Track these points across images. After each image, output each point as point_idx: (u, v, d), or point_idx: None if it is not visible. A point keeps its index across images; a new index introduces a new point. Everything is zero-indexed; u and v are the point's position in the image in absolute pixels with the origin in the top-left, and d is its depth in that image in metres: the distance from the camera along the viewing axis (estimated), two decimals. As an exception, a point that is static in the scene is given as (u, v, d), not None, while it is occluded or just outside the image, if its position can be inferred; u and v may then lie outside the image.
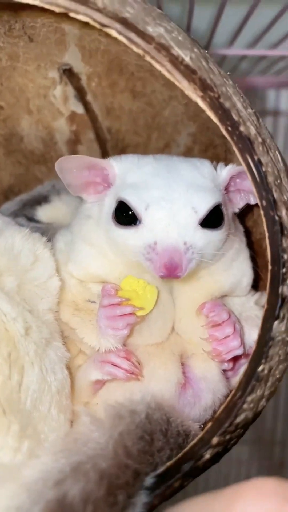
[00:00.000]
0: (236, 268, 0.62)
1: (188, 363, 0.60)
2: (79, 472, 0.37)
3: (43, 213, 0.82)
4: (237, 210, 0.62)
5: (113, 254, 0.58)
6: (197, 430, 0.50)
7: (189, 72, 0.43)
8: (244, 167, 0.44)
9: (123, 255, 0.56)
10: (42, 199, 0.84)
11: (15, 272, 0.50)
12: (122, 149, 0.90)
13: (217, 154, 0.78)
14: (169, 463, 0.40)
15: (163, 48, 0.43)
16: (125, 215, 0.54)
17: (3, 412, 0.43)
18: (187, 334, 0.60)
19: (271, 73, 1.17)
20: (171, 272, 0.50)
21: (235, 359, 0.60)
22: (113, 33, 0.43)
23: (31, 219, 0.84)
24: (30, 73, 0.78)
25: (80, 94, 0.82)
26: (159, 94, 0.77)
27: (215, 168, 0.60)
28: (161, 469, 0.40)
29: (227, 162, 0.75)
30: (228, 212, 0.59)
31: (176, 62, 0.43)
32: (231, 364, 0.60)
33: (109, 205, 0.57)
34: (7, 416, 0.43)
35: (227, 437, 0.42)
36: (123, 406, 0.44)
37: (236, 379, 0.62)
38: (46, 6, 0.42)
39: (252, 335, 0.60)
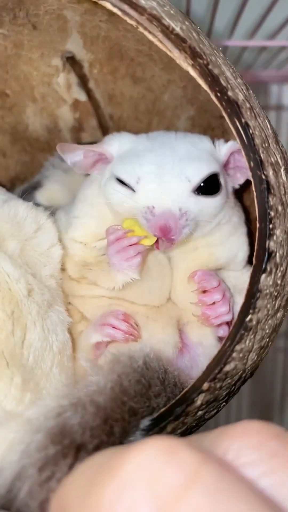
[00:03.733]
0: (232, 242, 0.64)
1: (184, 329, 0.62)
2: (78, 405, 0.39)
3: (41, 197, 0.86)
4: (237, 186, 0.65)
5: (112, 214, 0.61)
6: (190, 381, 0.52)
7: (179, 41, 0.46)
8: (232, 130, 0.46)
9: (120, 215, 0.59)
10: (37, 184, 0.88)
11: (18, 238, 0.53)
12: (124, 136, 0.92)
13: (214, 136, 0.80)
14: (163, 409, 0.42)
15: (154, 18, 0.46)
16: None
17: (6, 364, 0.46)
18: (182, 302, 0.63)
19: (273, 67, 1.19)
20: (166, 234, 0.53)
21: (228, 326, 0.62)
22: (108, 5, 0.46)
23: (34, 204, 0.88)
24: (34, 61, 0.82)
25: (83, 81, 0.86)
26: (158, 79, 0.79)
27: (214, 144, 0.63)
28: (156, 414, 0.42)
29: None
30: (227, 185, 0.61)
31: (167, 31, 0.46)
32: (226, 330, 0.62)
33: (109, 175, 0.60)
34: (10, 368, 0.46)
35: (218, 384, 0.44)
36: (122, 353, 0.47)
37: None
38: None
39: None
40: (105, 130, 0.93)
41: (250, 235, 0.70)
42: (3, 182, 0.94)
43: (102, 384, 0.42)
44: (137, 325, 0.58)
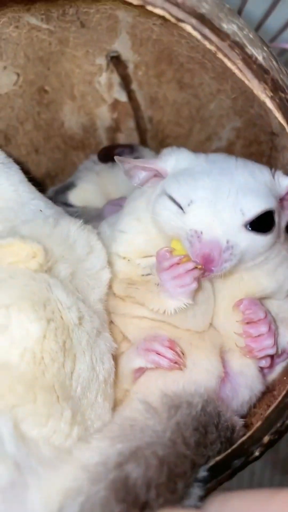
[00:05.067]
0: (280, 274, 0.62)
1: (225, 357, 0.60)
2: (139, 456, 0.38)
3: (74, 197, 0.86)
4: None
5: (156, 230, 0.59)
6: (241, 425, 0.51)
7: (261, 72, 0.43)
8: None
9: (165, 231, 0.57)
10: (70, 185, 0.87)
11: (70, 261, 0.51)
12: (162, 140, 0.90)
13: (261, 151, 0.77)
14: (219, 458, 0.41)
15: (237, 45, 0.43)
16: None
17: (57, 399, 0.44)
18: (225, 329, 0.61)
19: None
20: (207, 263, 0.52)
21: (271, 357, 0.61)
22: (188, 28, 0.43)
23: (66, 204, 0.86)
24: (78, 59, 0.78)
25: (125, 82, 0.82)
26: (206, 87, 0.76)
27: (273, 176, 0.60)
28: (212, 462, 0.41)
29: (271, 159, 0.75)
30: (281, 220, 0.59)
31: (249, 61, 0.43)
32: (268, 361, 0.61)
33: (160, 191, 0.58)
34: (61, 402, 0.44)
35: (277, 436, 0.43)
36: (179, 397, 0.45)
37: (272, 377, 0.63)
38: (125, -1, 0.42)
39: (287, 336, 0.61)
40: (142, 132, 0.90)
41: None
42: (34, 178, 0.91)
43: (161, 431, 0.40)
44: (182, 353, 0.57)
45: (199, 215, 0.54)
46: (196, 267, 0.54)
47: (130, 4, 0.42)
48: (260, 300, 0.62)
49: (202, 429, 0.42)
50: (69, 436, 0.45)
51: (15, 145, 0.86)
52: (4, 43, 0.72)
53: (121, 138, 0.91)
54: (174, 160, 0.60)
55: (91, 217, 0.82)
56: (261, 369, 0.61)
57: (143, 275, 0.60)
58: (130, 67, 0.79)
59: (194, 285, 0.54)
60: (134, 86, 0.82)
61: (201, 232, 0.53)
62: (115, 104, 0.86)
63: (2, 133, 0.84)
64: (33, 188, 0.60)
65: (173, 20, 0.42)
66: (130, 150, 0.87)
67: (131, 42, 0.75)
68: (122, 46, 0.76)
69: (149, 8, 0.42)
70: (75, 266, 0.51)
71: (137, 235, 0.61)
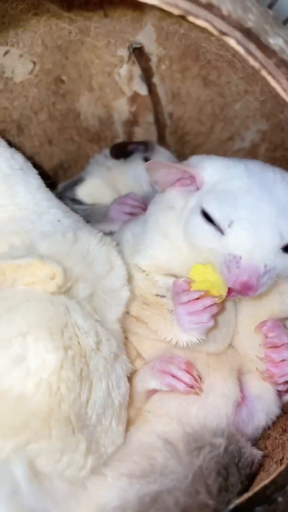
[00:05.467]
0: None
1: (243, 379, 0.58)
2: (160, 505, 0.36)
3: (82, 192, 0.82)
4: None
5: (188, 249, 0.56)
6: (260, 457, 0.49)
7: (308, 95, 0.40)
8: None
9: (199, 252, 0.54)
10: (78, 180, 0.83)
11: (89, 280, 0.48)
12: (181, 136, 0.86)
13: (287, 157, 0.74)
14: (240, 501, 0.40)
15: (284, 64, 0.39)
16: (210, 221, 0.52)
17: (73, 431, 0.42)
18: (244, 349, 0.59)
19: None
20: (245, 290, 0.49)
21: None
22: (231, 42, 0.39)
23: (74, 200, 0.82)
24: (98, 49, 0.74)
25: (146, 75, 0.78)
26: (234, 86, 0.72)
27: None
28: (233, 506, 0.39)
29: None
30: None
31: (296, 81, 0.39)
32: (287, 386, 0.59)
33: (194, 205, 0.54)
34: (76, 434, 0.43)
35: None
36: (201, 436, 0.43)
37: (287, 398, 0.61)
38: (165, 8, 0.38)
39: None
40: (161, 127, 0.86)
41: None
42: (46, 169, 0.88)
43: (182, 475, 0.38)
44: (200, 377, 0.54)
45: (240, 239, 0.50)
46: (214, 304, 0.51)
47: (170, 13, 0.38)
48: (283, 321, 0.60)
49: (224, 471, 0.41)
50: (84, 468, 0.44)
51: (28, 135, 0.82)
52: (21, 31, 0.68)
53: (138, 132, 0.87)
54: (211, 169, 0.56)
55: (100, 216, 0.79)
56: (279, 392, 0.59)
57: (157, 295, 0.57)
58: (153, 60, 0.75)
59: (211, 323, 0.51)
60: (155, 79, 0.78)
61: (240, 257, 0.50)
62: (134, 97, 0.81)
63: (15, 123, 0.80)
64: (51, 195, 0.56)
65: (215, 33, 0.38)
66: (144, 147, 0.83)
67: (156, 34, 0.70)
68: (147, 38, 0.71)
69: (191, 19, 0.38)
70: (94, 285, 0.49)
71: (163, 252, 0.57)
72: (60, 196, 0.80)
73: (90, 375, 0.45)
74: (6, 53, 0.70)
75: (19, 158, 0.56)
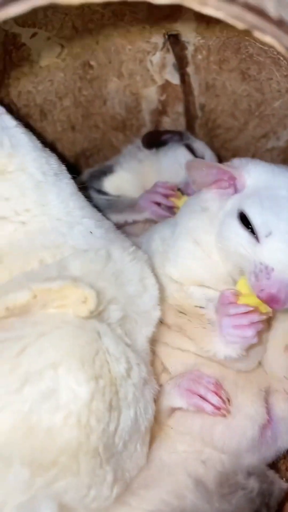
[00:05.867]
0: None
1: (270, 400, 0.57)
2: None
3: (109, 184, 0.79)
4: None
5: (219, 255, 0.53)
6: (285, 489, 0.48)
7: None
8: None
9: (230, 259, 0.52)
10: (107, 170, 0.79)
11: (122, 302, 0.46)
12: (211, 129, 0.81)
13: None
14: None
15: None
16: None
17: (101, 464, 0.41)
18: (271, 370, 0.57)
19: None
20: (273, 303, 0.47)
21: None
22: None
23: (100, 191, 0.79)
24: (131, 35, 0.69)
25: (180, 64, 0.73)
26: (275, 84, 0.67)
27: None
28: None
29: None
30: None
31: None
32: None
33: (232, 208, 0.52)
34: (104, 466, 0.41)
35: None
36: (234, 476, 0.41)
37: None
38: (230, 21, 0.34)
39: None
40: (190, 119, 0.81)
41: None
42: (68, 156, 0.84)
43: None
44: (228, 400, 0.53)
45: (275, 251, 0.48)
46: (261, 321, 0.49)
47: (233, 27, 0.34)
48: None
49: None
50: (109, 498, 0.42)
51: (51, 120, 0.78)
52: (51, 12, 0.63)
53: (166, 122, 0.83)
54: (256, 173, 0.52)
55: (124, 206, 0.76)
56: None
57: (196, 306, 0.55)
58: (190, 49, 0.70)
59: (255, 340, 0.49)
60: (190, 69, 0.73)
61: (273, 269, 0.48)
62: (165, 86, 0.77)
63: (38, 108, 0.76)
64: (83, 201, 0.53)
65: (282, 50, 0.34)
66: (179, 137, 0.79)
67: (196, 23, 0.65)
68: (185, 26, 0.66)
69: (257, 34, 0.34)
70: (126, 307, 0.46)
71: (194, 261, 0.54)
72: (86, 184, 0.77)
73: (119, 403, 0.43)
74: (33, 35, 0.65)
75: (53, 162, 0.52)
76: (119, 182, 0.80)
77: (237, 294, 0.50)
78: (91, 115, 0.80)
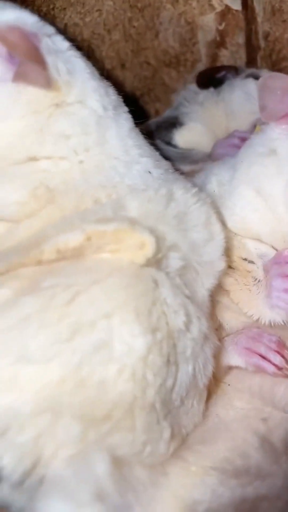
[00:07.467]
0: None
1: None
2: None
3: (180, 137, 0.73)
4: None
5: (286, 209, 0.48)
6: None
7: None
8: None
9: None
10: (175, 121, 0.74)
11: (183, 249, 0.41)
12: (275, 62, 0.73)
13: None
14: None
15: None
16: None
17: (157, 419, 0.38)
18: None
19: None
20: None
21: None
22: None
23: (169, 143, 0.74)
24: None
25: (243, -15, 0.65)
26: None
27: None
28: None
29: None
30: None
31: None
32: None
33: None
34: (161, 422, 0.38)
35: None
36: None
37: None
38: None
39: None
40: (252, 50, 0.73)
41: None
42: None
43: (280, 482, 0.34)
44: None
45: None
46: None
47: None
48: None
49: None
50: (166, 454, 0.40)
51: (99, 57, 0.73)
52: None
53: (224, 56, 0.75)
54: None
55: (196, 160, 0.71)
56: None
57: (245, 259, 0.50)
58: None
59: None
60: (253, -9, 0.65)
61: None
62: (225, 13, 0.69)
63: (86, 43, 0.70)
64: (141, 139, 0.48)
65: None
66: (235, 72, 0.72)
67: None
68: None
69: None
70: (189, 256, 0.42)
71: (253, 212, 0.49)
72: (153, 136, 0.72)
73: (177, 358, 0.39)
74: None
75: (112, 93, 0.47)
76: (190, 135, 0.74)
77: None
78: (142, 49, 0.74)
